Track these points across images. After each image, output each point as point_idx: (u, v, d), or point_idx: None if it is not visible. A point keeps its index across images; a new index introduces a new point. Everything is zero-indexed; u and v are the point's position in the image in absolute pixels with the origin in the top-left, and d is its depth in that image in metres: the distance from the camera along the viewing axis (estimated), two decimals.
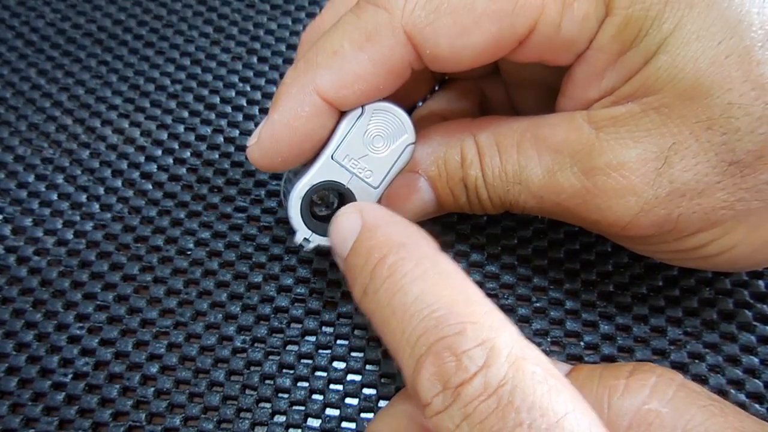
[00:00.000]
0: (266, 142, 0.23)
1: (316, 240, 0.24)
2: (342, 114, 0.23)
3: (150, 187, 0.32)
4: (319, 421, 0.26)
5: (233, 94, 0.35)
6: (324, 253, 0.30)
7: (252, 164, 0.23)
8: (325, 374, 0.27)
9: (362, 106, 0.23)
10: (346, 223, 0.22)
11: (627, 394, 0.20)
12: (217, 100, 0.35)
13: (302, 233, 0.24)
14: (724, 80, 0.20)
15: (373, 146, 0.23)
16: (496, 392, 0.16)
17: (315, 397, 0.27)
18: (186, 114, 0.34)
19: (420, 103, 0.31)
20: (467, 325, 0.17)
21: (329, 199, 0.25)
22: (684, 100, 0.20)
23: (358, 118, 0.23)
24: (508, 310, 0.28)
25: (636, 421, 0.19)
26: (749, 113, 0.20)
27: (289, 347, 0.28)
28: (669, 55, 0.20)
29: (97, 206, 0.31)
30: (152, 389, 0.26)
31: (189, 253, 0.30)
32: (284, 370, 0.27)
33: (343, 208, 0.22)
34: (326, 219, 0.24)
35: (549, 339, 0.28)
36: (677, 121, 0.20)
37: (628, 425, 0.19)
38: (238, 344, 0.27)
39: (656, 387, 0.20)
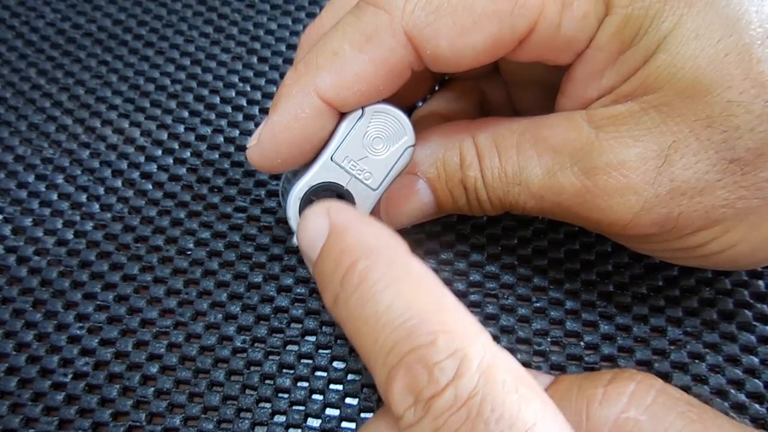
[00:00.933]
0: (266, 144, 0.23)
1: None
2: (342, 115, 0.23)
3: (150, 187, 0.32)
4: (319, 421, 0.26)
5: (233, 94, 0.35)
6: None
7: (252, 165, 0.23)
8: (325, 374, 0.27)
9: (362, 108, 0.23)
10: (313, 224, 0.21)
11: (605, 402, 0.20)
12: (217, 100, 0.35)
13: None
14: (723, 78, 0.20)
15: (373, 148, 0.23)
16: (466, 404, 0.16)
17: (315, 397, 0.26)
18: (186, 114, 0.34)
19: (420, 103, 0.31)
20: (439, 334, 0.17)
21: None
22: (684, 98, 0.20)
23: (357, 120, 0.23)
24: (508, 310, 0.28)
25: (615, 430, 0.19)
26: (749, 111, 0.20)
27: (289, 347, 0.28)
28: (668, 53, 0.20)
29: (97, 206, 0.31)
30: (152, 389, 0.26)
31: (189, 253, 0.30)
32: (284, 370, 0.27)
33: (309, 208, 0.21)
34: None
35: (549, 339, 0.28)
36: (677, 120, 0.20)
37: None
38: (238, 344, 0.27)
39: (634, 394, 0.19)
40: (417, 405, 0.17)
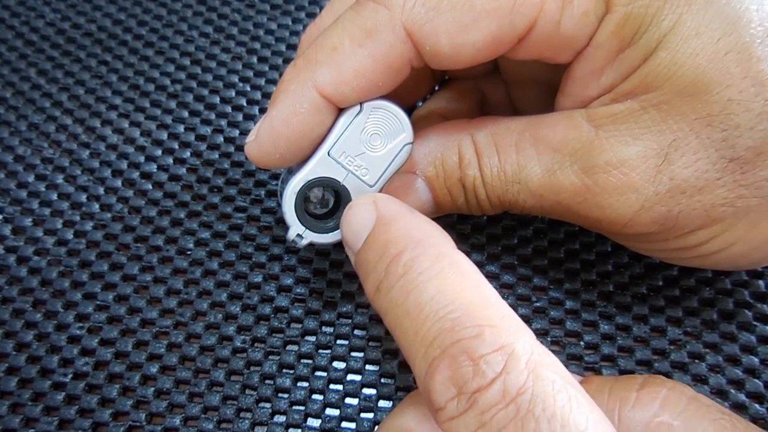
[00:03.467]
0: (264, 139, 0.22)
1: (309, 237, 0.24)
2: (340, 111, 0.23)
3: (150, 187, 0.32)
4: (319, 421, 0.26)
5: (233, 94, 0.35)
6: (324, 252, 0.30)
7: (250, 161, 0.23)
8: (325, 374, 0.27)
9: (361, 104, 0.23)
10: (359, 214, 0.21)
11: (638, 406, 0.19)
12: (217, 100, 0.35)
13: (295, 229, 0.24)
14: (723, 77, 0.20)
15: (371, 144, 0.23)
16: (515, 400, 0.16)
17: (315, 397, 0.26)
18: (186, 114, 0.34)
19: (420, 103, 0.31)
20: (485, 328, 0.17)
21: (325, 198, 0.25)
22: (683, 96, 0.20)
23: (356, 116, 0.23)
24: None
25: None
26: (749, 110, 0.20)
27: (289, 347, 0.28)
28: (668, 51, 0.20)
29: (97, 206, 0.31)
30: (152, 389, 0.26)
31: (189, 253, 0.30)
32: (284, 370, 0.27)
33: (357, 199, 0.22)
34: (322, 217, 0.24)
35: (549, 339, 0.28)
36: (677, 118, 0.20)
37: None
38: (238, 344, 0.27)
39: (667, 400, 0.19)
40: (461, 397, 0.16)
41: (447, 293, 0.18)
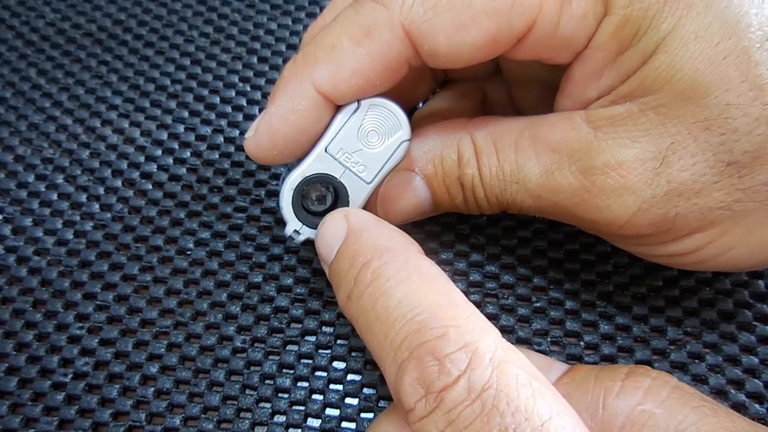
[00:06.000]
0: (263, 135, 0.23)
1: (307, 233, 0.24)
2: (338, 108, 0.23)
3: (150, 187, 0.32)
4: (319, 421, 0.26)
5: (233, 94, 0.35)
6: None
7: (249, 156, 0.24)
8: (325, 374, 0.27)
9: (358, 101, 0.23)
10: (331, 228, 0.22)
11: (622, 394, 0.20)
12: (217, 100, 0.35)
13: (292, 225, 0.24)
14: (722, 80, 0.20)
15: (368, 141, 0.23)
16: (480, 396, 0.16)
17: (315, 397, 0.27)
18: (186, 114, 0.34)
19: (421, 104, 0.31)
20: (450, 328, 0.17)
21: (323, 194, 0.25)
22: (682, 100, 0.20)
23: (353, 113, 0.23)
24: (508, 310, 0.28)
25: (630, 421, 0.19)
26: (747, 114, 0.20)
27: (289, 347, 0.28)
28: (667, 54, 0.20)
29: (97, 206, 0.31)
30: (152, 389, 0.26)
31: (189, 253, 0.30)
32: (284, 370, 0.27)
33: (329, 214, 0.22)
34: (320, 214, 0.24)
35: (549, 339, 0.28)
36: (675, 121, 0.20)
37: (622, 425, 0.19)
38: (238, 344, 0.27)
39: (651, 389, 0.20)
40: (428, 397, 0.17)
41: (414, 297, 0.18)
